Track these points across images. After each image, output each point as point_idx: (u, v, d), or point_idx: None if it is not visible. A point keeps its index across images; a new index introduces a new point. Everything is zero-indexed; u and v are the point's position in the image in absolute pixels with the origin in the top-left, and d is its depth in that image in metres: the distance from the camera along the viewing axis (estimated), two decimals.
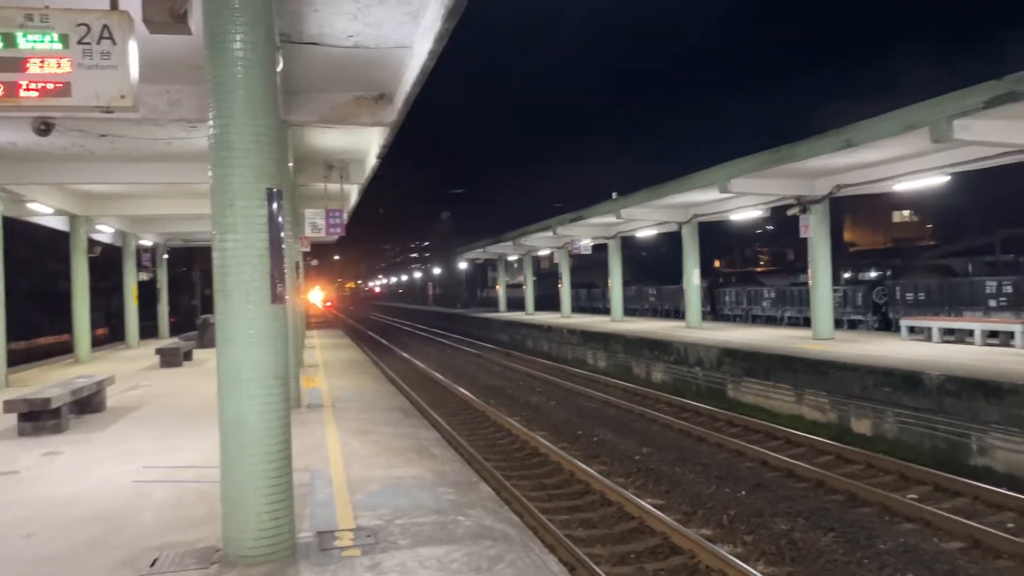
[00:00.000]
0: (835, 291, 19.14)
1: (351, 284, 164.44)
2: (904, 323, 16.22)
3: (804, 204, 16.63)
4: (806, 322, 20.71)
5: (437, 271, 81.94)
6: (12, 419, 9.27)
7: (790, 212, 17.11)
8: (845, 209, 46.95)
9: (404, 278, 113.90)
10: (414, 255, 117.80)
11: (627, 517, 8.29)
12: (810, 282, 17.18)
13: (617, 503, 8.70)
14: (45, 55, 4.82)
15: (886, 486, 9.13)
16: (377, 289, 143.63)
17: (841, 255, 36.89)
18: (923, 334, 15.53)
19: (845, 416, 11.94)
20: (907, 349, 13.77)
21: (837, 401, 12.13)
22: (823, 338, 16.55)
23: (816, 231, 16.69)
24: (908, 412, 10.71)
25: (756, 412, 13.90)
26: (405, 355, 29.13)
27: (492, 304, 51.22)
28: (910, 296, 18.44)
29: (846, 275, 31.63)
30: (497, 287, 47.17)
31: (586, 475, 9.80)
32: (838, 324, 18.89)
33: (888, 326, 18.98)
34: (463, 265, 57.82)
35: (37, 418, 9.14)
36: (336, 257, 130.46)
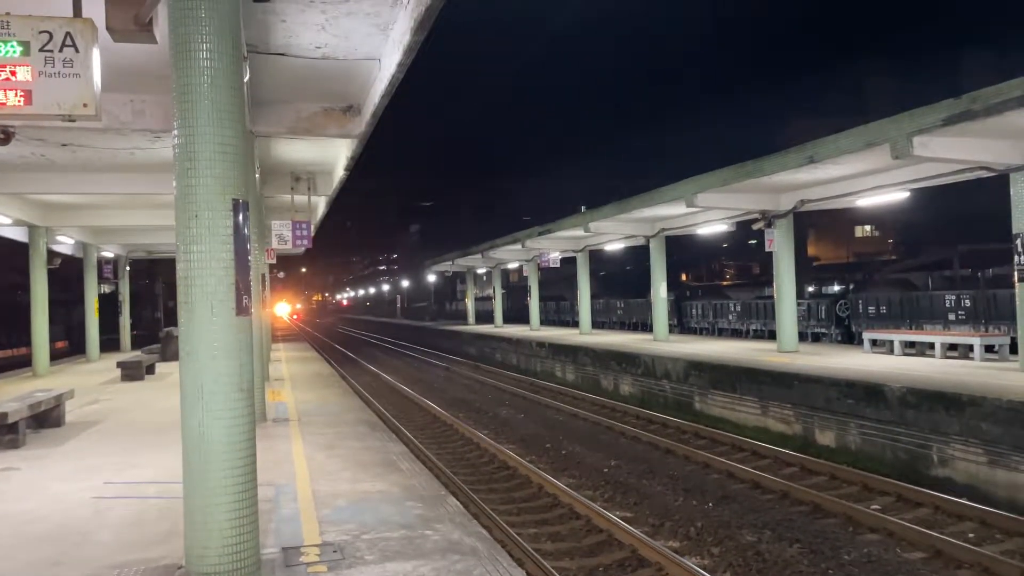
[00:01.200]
0: (799, 304, 19.43)
1: (318, 296, 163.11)
2: (866, 336, 16.50)
3: (769, 219, 16.87)
4: (771, 335, 20.97)
5: (406, 284, 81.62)
6: None
7: (755, 226, 17.35)
8: (809, 224, 47.75)
9: (372, 291, 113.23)
10: (383, 268, 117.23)
11: (595, 530, 8.29)
12: (775, 295, 17.41)
13: (585, 516, 8.69)
14: (5, 62, 4.73)
15: (850, 497, 9.25)
16: (345, 302, 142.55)
17: (805, 269, 37.51)
18: (885, 347, 15.81)
19: (809, 428, 12.09)
20: (869, 361, 14.00)
21: (801, 413, 12.28)
22: (787, 351, 16.76)
23: (781, 245, 16.94)
24: (870, 424, 10.87)
25: (723, 424, 14.02)
26: (373, 368, 28.91)
27: (461, 317, 51.10)
28: (872, 309, 18.78)
29: (810, 288, 32.13)
30: (466, 300, 47.09)
31: (555, 488, 9.79)
32: (802, 337, 19.18)
33: (851, 339, 19.30)
34: (432, 278, 57.67)
35: None
36: (303, 269, 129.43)
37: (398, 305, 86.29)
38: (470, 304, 45.09)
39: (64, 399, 10.87)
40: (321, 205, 19.36)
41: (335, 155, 13.47)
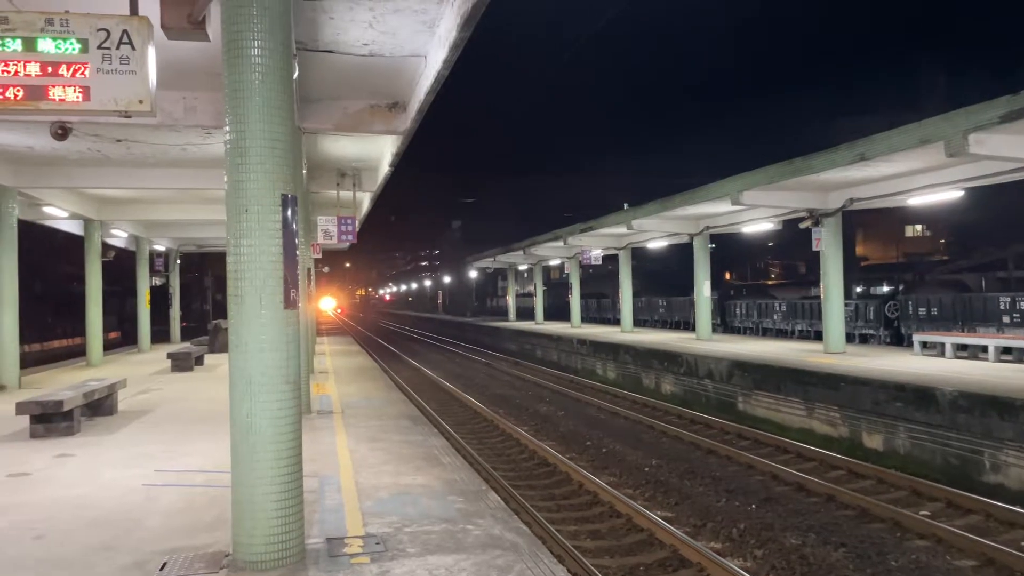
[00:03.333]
0: (847, 305, 19.04)
1: (361, 291, 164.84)
2: (917, 338, 16.11)
3: (817, 217, 16.57)
4: (817, 336, 20.60)
5: (447, 279, 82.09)
6: (24, 421, 9.31)
7: (803, 225, 17.06)
8: (857, 222, 46.77)
9: (414, 286, 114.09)
10: (424, 263, 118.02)
11: (636, 529, 8.25)
12: (822, 295, 17.10)
13: (626, 515, 8.65)
14: (65, 60, 4.87)
15: (898, 502, 9.05)
16: (387, 296, 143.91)
17: (853, 269, 36.76)
18: (936, 349, 15.42)
19: (856, 431, 11.86)
20: (919, 364, 13.67)
21: (848, 415, 12.05)
22: (834, 352, 16.45)
23: (828, 244, 16.62)
24: (920, 427, 10.62)
25: (766, 425, 13.82)
26: (414, 363, 29.14)
27: (502, 313, 51.22)
28: (923, 311, 18.32)
29: (858, 289, 31.53)
30: (507, 296, 47.17)
31: (595, 486, 9.76)
32: (849, 338, 18.78)
33: (900, 341, 18.85)
34: (473, 274, 57.92)
35: (49, 420, 9.18)
36: (347, 264, 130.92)
37: (439, 301, 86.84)
38: (511, 300, 45.16)
39: (117, 388, 11.16)
40: (366, 201, 19.54)
41: (380, 151, 13.58)
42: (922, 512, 8.58)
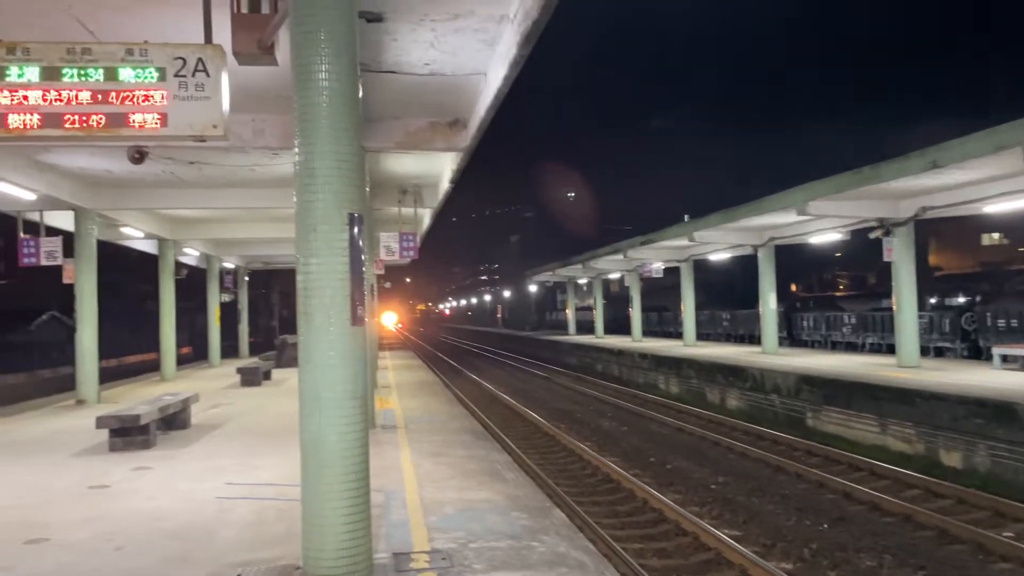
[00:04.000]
0: (920, 317, 18.36)
1: (421, 306, 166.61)
2: (996, 351, 15.44)
3: (887, 227, 16.08)
4: (889, 349, 19.93)
5: (506, 293, 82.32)
6: (104, 434, 9.67)
7: (872, 235, 16.58)
8: (930, 231, 45.14)
9: (474, 300, 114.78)
10: (483, 277, 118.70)
11: (703, 548, 8.08)
12: (894, 307, 16.56)
13: (692, 532, 8.49)
14: (144, 87, 5.07)
15: (979, 523, 8.65)
16: (447, 311, 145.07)
17: (926, 279, 35.42)
18: (1017, 363, 14.74)
19: (933, 448, 11.41)
20: (1000, 378, 13.09)
21: (925, 432, 11.60)
22: (908, 366, 15.89)
23: (900, 254, 16.11)
24: (1002, 445, 10.15)
25: (837, 442, 13.40)
26: (475, 377, 29.26)
27: (561, 327, 51.07)
28: (1002, 323, 17.54)
29: (932, 300, 30.41)
30: (567, 310, 47.03)
31: (659, 503, 9.62)
32: (924, 351, 18.09)
33: (978, 354, 18.09)
34: (532, 287, 57.95)
35: (127, 434, 9.51)
36: (407, 279, 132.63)
37: (498, 315, 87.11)
38: (571, 314, 45.03)
39: (190, 403, 11.51)
40: (426, 217, 19.78)
41: (440, 168, 13.75)
42: (1005, 533, 8.18)
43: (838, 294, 51.28)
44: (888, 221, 16.05)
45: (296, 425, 4.76)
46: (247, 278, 30.59)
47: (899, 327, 16.35)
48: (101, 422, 9.50)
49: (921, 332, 18.03)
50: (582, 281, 43.51)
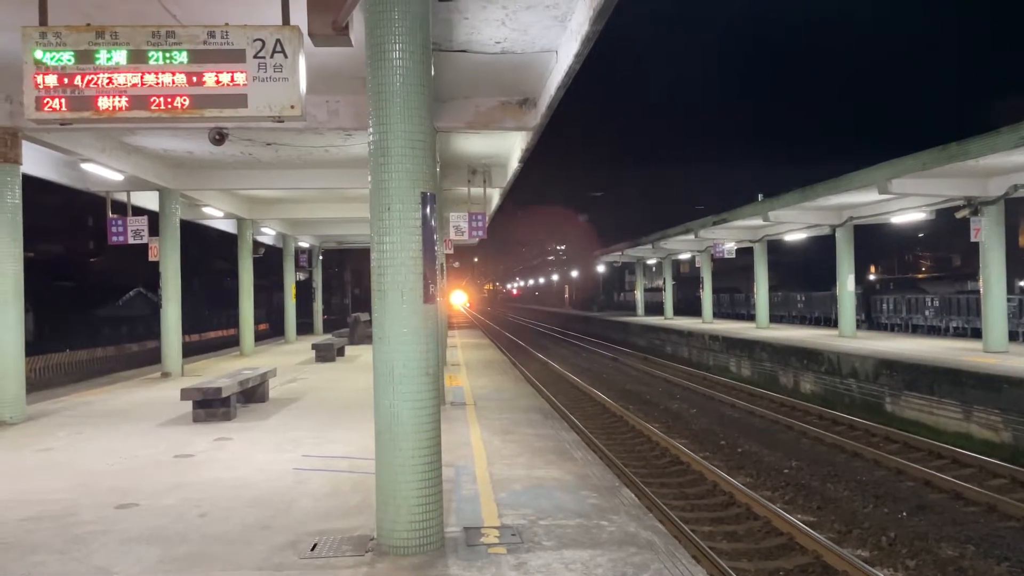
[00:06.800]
0: (1009, 300, 17.51)
1: (489, 286, 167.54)
2: None
3: (975, 206, 15.35)
4: (975, 333, 19.10)
5: (574, 274, 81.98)
6: (188, 406, 10.08)
7: (959, 215, 15.85)
8: (1021, 211, 42.86)
9: (541, 280, 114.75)
10: (551, 257, 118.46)
11: (775, 532, 7.95)
12: (981, 289, 15.84)
13: (764, 517, 8.36)
14: (225, 69, 5.21)
15: None
16: (515, 291, 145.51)
17: (1016, 261, 33.73)
18: None
19: (1021, 437, 10.91)
20: None
21: (1012, 420, 11.10)
22: (995, 350, 15.20)
23: (989, 235, 15.36)
24: None
25: (917, 428, 12.96)
26: (541, 356, 29.34)
27: (628, 308, 50.64)
28: None
29: (1021, 283, 28.92)
30: (635, 291, 46.59)
31: (730, 486, 9.49)
32: (1012, 336, 17.26)
33: None
34: (600, 268, 57.57)
35: (209, 406, 9.90)
36: (475, 259, 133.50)
37: (566, 295, 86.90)
38: (639, 295, 44.58)
39: (268, 377, 11.89)
40: (495, 197, 19.83)
41: (510, 147, 13.74)
42: None
43: (920, 276, 49.36)
44: (976, 200, 15.31)
45: (369, 400, 4.86)
46: (321, 257, 31.29)
47: (986, 310, 15.63)
48: (185, 394, 9.91)
49: (1010, 316, 17.21)
50: (651, 262, 42.97)
